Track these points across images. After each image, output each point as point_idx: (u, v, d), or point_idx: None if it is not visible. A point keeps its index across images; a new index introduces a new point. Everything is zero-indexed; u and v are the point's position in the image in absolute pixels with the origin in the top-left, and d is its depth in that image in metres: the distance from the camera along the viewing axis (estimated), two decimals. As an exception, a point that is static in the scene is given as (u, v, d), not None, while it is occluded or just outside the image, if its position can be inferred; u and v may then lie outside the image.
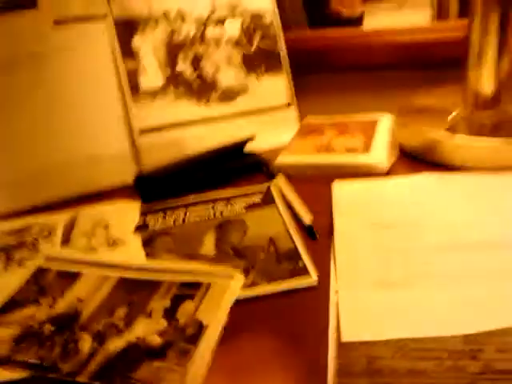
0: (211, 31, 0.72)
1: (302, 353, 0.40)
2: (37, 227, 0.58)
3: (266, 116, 0.74)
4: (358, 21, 0.91)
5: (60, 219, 0.59)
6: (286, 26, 0.95)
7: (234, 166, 0.66)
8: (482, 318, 0.39)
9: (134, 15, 0.68)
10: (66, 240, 0.56)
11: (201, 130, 0.70)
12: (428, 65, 0.80)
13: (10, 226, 0.59)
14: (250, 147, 0.69)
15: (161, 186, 0.62)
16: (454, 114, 0.63)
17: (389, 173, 0.63)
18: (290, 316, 0.44)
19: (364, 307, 0.42)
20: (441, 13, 0.93)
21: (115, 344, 0.41)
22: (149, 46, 0.69)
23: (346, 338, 0.39)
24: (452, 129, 0.63)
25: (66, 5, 0.65)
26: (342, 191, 0.59)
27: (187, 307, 0.44)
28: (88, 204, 0.62)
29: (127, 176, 0.65)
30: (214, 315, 0.43)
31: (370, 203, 0.56)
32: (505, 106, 0.66)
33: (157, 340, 0.41)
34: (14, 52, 0.63)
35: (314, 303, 0.44)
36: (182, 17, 0.70)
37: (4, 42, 0.63)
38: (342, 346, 0.39)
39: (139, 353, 0.40)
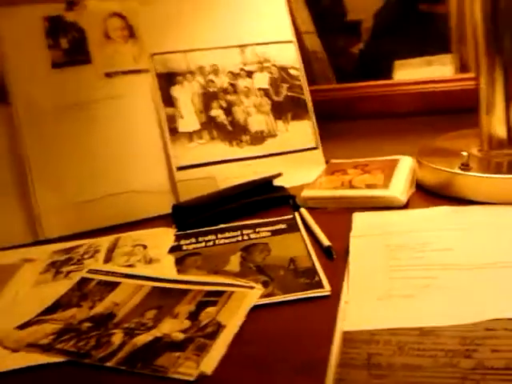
0: (242, 82, 0.81)
1: (308, 348, 0.43)
2: (83, 247, 0.65)
3: (293, 158, 0.81)
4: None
5: (104, 241, 0.66)
6: (315, 81, 1.03)
7: (262, 198, 0.72)
8: (475, 313, 0.42)
9: (174, 69, 0.78)
10: (108, 258, 0.62)
11: (233, 168, 0.77)
12: (449, 112, 0.86)
13: (61, 246, 0.67)
14: (278, 183, 0.76)
15: (195, 215, 0.69)
16: (466, 152, 0.67)
17: (407, 206, 0.67)
18: (300, 321, 0.48)
19: (368, 311, 0.46)
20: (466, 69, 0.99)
21: (143, 338, 0.46)
22: (186, 95, 0.78)
23: (349, 327, 0.42)
24: (467, 166, 0.67)
25: (115, 61, 0.76)
26: (361, 219, 0.63)
27: (209, 311, 0.49)
28: (130, 230, 0.69)
29: (166, 207, 0.71)
30: (232, 317, 0.48)
31: (385, 229, 0.60)
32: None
33: (179, 336, 0.46)
34: (71, 99, 0.74)
35: (324, 311, 0.48)
36: (215, 71, 0.80)
37: (64, 92, 0.74)
38: (346, 345, 0.43)
39: (162, 345, 0.45)
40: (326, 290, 0.50)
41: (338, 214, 0.68)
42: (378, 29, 1.16)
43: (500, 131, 0.69)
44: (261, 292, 0.51)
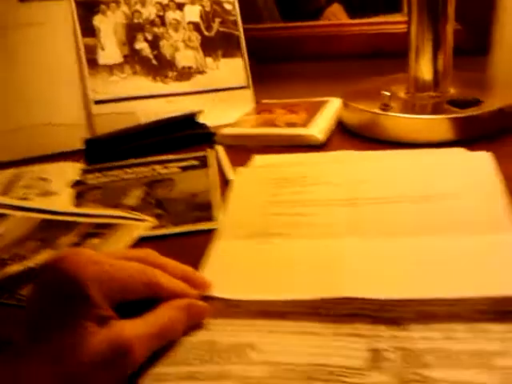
0: (171, 15, 0.76)
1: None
2: (-17, 181, 0.63)
3: (222, 96, 0.77)
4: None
5: (7, 174, 0.63)
6: (260, 19, 0.99)
7: (180, 135, 0.69)
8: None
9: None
10: (6, 191, 0.59)
11: (156, 105, 0.74)
12: (394, 55, 0.82)
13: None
14: (203, 121, 0.73)
15: (107, 149, 0.66)
16: (388, 92, 0.64)
17: (326, 147, 0.65)
18: (187, 253, 0.45)
19: (231, 259, 0.44)
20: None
21: (14, 268, 0.44)
22: (109, 25, 0.73)
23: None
24: (387, 106, 0.65)
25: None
26: (258, 161, 0.61)
27: (92, 242, 0.47)
28: (41, 164, 0.67)
29: (80, 142, 0.68)
30: (113, 248, 0.46)
31: (276, 167, 0.58)
32: (445, 88, 0.67)
33: (53, 266, 0.44)
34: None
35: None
36: (142, 1, 0.75)
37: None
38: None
39: (32, 275, 0.43)
40: (215, 223, 0.49)
41: (254, 152, 0.66)
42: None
43: (426, 74, 0.67)
44: (151, 225, 0.50)
